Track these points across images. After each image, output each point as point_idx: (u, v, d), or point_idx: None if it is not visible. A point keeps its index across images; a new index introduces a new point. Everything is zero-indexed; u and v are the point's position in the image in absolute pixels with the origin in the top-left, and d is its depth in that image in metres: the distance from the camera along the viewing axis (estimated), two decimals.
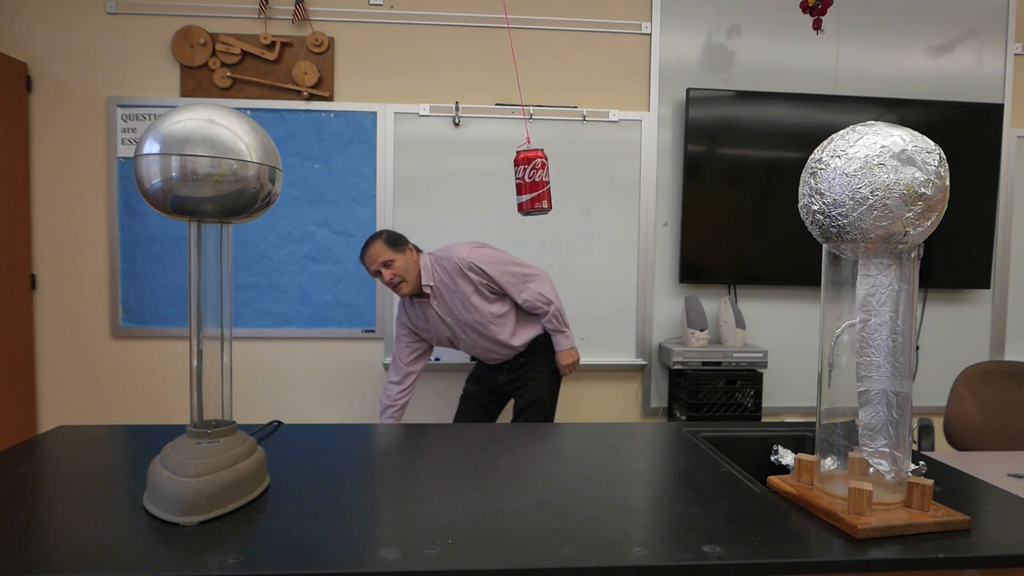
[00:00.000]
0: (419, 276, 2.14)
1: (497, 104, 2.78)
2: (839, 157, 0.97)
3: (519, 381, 2.31)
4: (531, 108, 2.76)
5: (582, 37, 2.81)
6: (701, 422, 1.82)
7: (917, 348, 2.99)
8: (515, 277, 2.18)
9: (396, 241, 2.14)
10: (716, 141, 2.78)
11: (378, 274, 2.12)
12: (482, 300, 2.16)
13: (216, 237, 1.04)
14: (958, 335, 3.00)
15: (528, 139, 1.82)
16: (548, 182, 1.66)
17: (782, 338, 2.93)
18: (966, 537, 0.93)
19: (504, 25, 2.79)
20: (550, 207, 1.69)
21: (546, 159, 1.67)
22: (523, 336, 2.25)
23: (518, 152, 1.67)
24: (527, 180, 1.65)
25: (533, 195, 1.66)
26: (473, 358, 2.41)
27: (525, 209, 1.68)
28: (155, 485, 0.96)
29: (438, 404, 2.84)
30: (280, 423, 1.47)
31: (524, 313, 2.27)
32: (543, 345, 2.31)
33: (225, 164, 0.94)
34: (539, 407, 2.32)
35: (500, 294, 2.20)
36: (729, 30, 2.84)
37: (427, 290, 2.15)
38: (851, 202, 0.95)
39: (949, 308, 3.00)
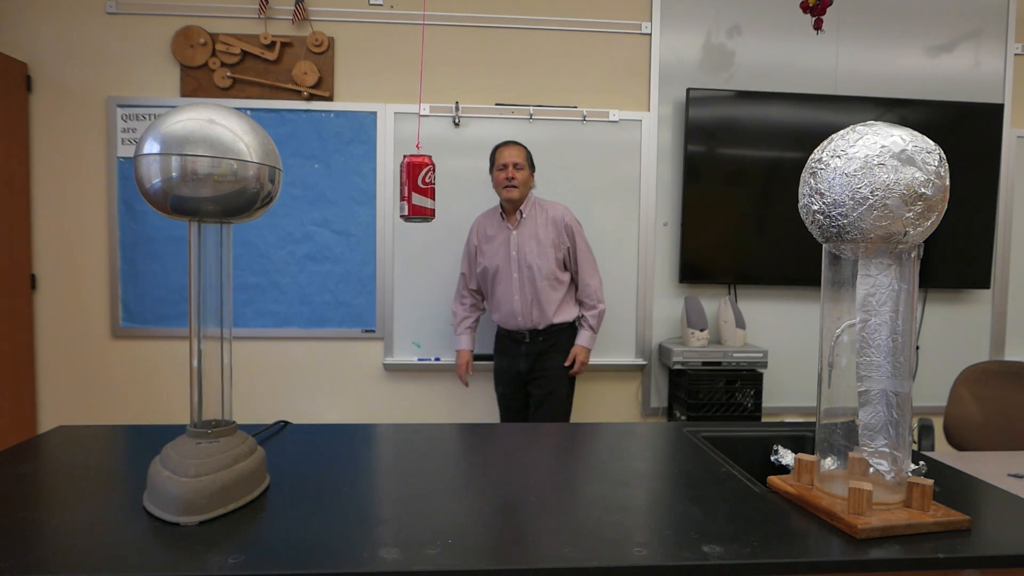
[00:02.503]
0: (525, 197, 2.37)
1: (497, 104, 2.78)
2: (839, 157, 0.97)
3: (536, 372, 2.40)
4: (531, 108, 2.76)
5: (582, 37, 2.81)
6: (701, 422, 1.82)
7: (917, 348, 2.99)
8: (590, 262, 2.42)
9: (532, 162, 2.41)
10: (716, 141, 2.78)
11: (504, 168, 2.31)
12: (555, 256, 2.34)
13: (216, 237, 1.04)
14: (958, 335, 3.00)
15: (419, 144, 1.85)
16: (432, 187, 1.66)
17: (782, 338, 2.93)
18: (966, 537, 0.93)
19: (503, 25, 2.79)
20: (434, 215, 1.68)
21: (432, 167, 1.66)
22: (561, 314, 2.38)
23: (411, 156, 1.65)
24: (421, 185, 1.65)
25: (429, 201, 1.66)
26: (496, 335, 2.50)
27: (414, 215, 1.67)
28: (155, 485, 0.96)
29: (439, 404, 2.84)
30: (286, 423, 1.47)
31: (572, 298, 2.43)
32: (566, 334, 2.41)
33: (225, 164, 0.94)
34: (555, 399, 2.40)
35: (566, 269, 2.39)
36: (729, 30, 2.84)
37: (517, 214, 2.36)
38: (851, 202, 0.95)
39: (949, 308, 3.00)
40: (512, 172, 2.30)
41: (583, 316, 2.42)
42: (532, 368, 2.40)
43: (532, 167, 2.40)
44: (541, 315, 2.35)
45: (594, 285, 2.40)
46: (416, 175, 1.65)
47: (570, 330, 2.43)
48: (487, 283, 2.43)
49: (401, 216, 1.66)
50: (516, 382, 2.45)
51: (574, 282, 2.44)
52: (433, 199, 1.69)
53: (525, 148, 2.38)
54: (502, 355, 2.47)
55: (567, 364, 2.39)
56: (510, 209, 2.37)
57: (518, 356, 2.41)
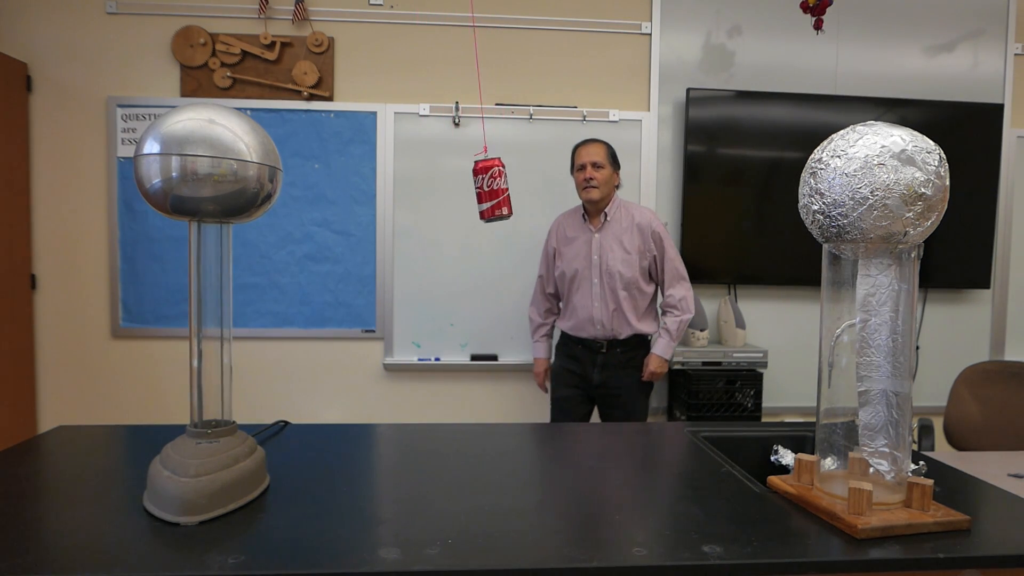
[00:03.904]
0: (607, 198, 2.22)
1: (497, 104, 2.78)
2: (839, 157, 0.97)
3: (611, 388, 2.25)
4: (531, 108, 2.76)
5: (582, 37, 2.81)
6: (701, 422, 1.82)
7: (917, 348, 2.99)
8: (676, 270, 2.26)
9: (615, 159, 2.25)
10: (716, 141, 2.78)
11: (582, 168, 2.18)
12: (639, 263, 2.20)
13: (216, 237, 1.04)
14: (958, 335, 3.00)
15: (485, 148, 1.84)
16: (507, 189, 1.68)
17: (782, 338, 2.93)
18: (966, 537, 0.93)
19: (504, 25, 2.79)
20: (511, 213, 1.71)
21: (503, 167, 1.68)
22: (643, 325, 2.25)
23: (476, 162, 1.68)
24: (486, 188, 1.66)
25: (493, 203, 1.67)
26: (563, 339, 2.35)
27: (486, 217, 1.70)
28: (155, 485, 0.96)
29: (439, 404, 2.84)
30: (286, 423, 1.47)
31: (654, 310, 2.31)
32: (645, 348, 2.29)
33: (225, 164, 0.94)
34: (637, 419, 2.27)
35: (651, 280, 2.26)
36: (729, 30, 2.84)
37: (601, 217, 2.22)
38: (851, 202, 0.95)
39: (949, 308, 3.00)
40: (591, 172, 2.16)
41: (663, 322, 2.25)
42: (606, 382, 2.25)
43: (616, 165, 2.24)
44: (622, 324, 2.20)
45: (681, 293, 2.24)
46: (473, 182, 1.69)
47: (648, 343, 2.31)
48: (564, 288, 2.30)
49: (488, 218, 1.70)
50: (583, 386, 2.30)
51: (660, 292, 2.30)
52: (481, 201, 1.68)
53: (607, 145, 2.23)
54: (572, 359, 2.30)
55: (642, 379, 2.24)
56: (593, 211, 2.24)
57: (592, 366, 2.25)
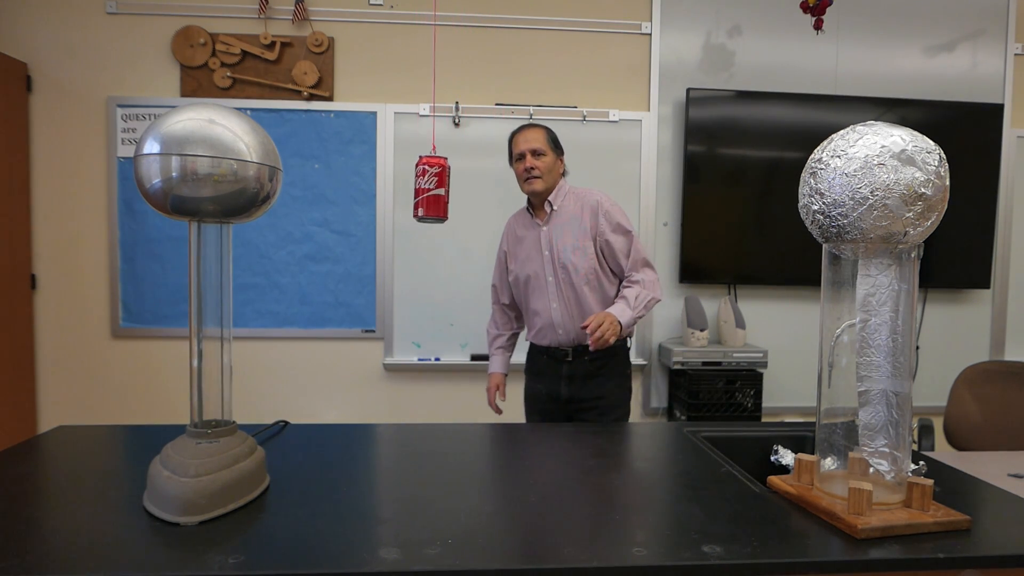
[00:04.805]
0: (553, 188, 1.97)
1: (497, 104, 2.78)
2: (839, 157, 0.97)
3: (588, 401, 1.96)
4: (531, 108, 2.76)
5: (582, 37, 2.81)
6: (701, 422, 1.82)
7: (917, 348, 2.99)
8: (641, 256, 1.97)
9: (557, 144, 2.00)
10: (716, 141, 2.78)
11: (522, 158, 1.94)
12: (594, 251, 1.93)
13: (216, 237, 1.04)
14: (958, 335, 3.00)
15: (434, 147, 1.77)
16: (430, 189, 1.60)
17: (782, 338, 2.93)
18: (966, 537, 0.93)
19: (503, 25, 2.79)
20: (436, 216, 1.63)
21: (435, 169, 1.60)
22: None
23: (420, 157, 1.62)
24: (421, 187, 1.61)
25: (418, 199, 1.61)
26: (529, 352, 2.10)
27: (416, 215, 1.64)
28: (155, 485, 0.96)
29: (439, 404, 2.84)
30: (286, 423, 1.47)
31: None
32: (621, 352, 2.02)
33: (225, 164, 0.93)
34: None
35: (609, 274, 1.98)
36: (729, 30, 2.84)
37: (546, 207, 1.97)
38: (851, 202, 0.95)
39: (949, 308, 3.00)
40: (531, 161, 1.91)
41: (623, 290, 1.94)
42: (576, 396, 1.96)
43: (559, 150, 1.99)
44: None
45: (649, 277, 1.94)
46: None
47: (624, 357, 2.02)
48: (520, 293, 2.05)
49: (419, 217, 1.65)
50: (553, 408, 2.01)
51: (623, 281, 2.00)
52: (415, 197, 1.64)
53: (546, 129, 1.98)
54: (538, 376, 2.04)
55: (583, 326, 1.79)
56: (538, 203, 1.99)
57: (558, 379, 1.97)
